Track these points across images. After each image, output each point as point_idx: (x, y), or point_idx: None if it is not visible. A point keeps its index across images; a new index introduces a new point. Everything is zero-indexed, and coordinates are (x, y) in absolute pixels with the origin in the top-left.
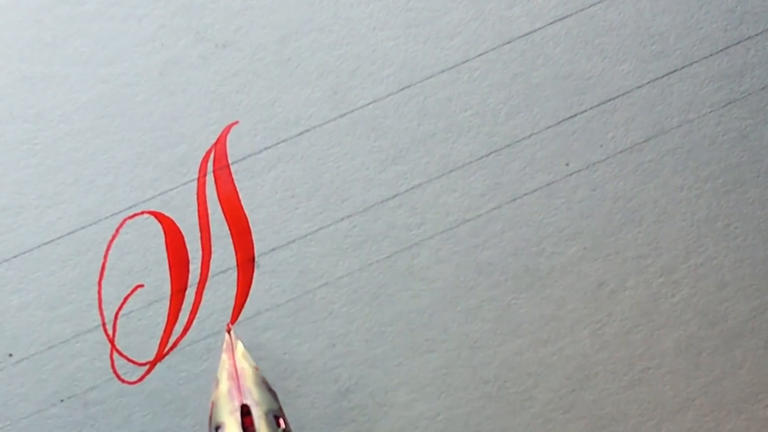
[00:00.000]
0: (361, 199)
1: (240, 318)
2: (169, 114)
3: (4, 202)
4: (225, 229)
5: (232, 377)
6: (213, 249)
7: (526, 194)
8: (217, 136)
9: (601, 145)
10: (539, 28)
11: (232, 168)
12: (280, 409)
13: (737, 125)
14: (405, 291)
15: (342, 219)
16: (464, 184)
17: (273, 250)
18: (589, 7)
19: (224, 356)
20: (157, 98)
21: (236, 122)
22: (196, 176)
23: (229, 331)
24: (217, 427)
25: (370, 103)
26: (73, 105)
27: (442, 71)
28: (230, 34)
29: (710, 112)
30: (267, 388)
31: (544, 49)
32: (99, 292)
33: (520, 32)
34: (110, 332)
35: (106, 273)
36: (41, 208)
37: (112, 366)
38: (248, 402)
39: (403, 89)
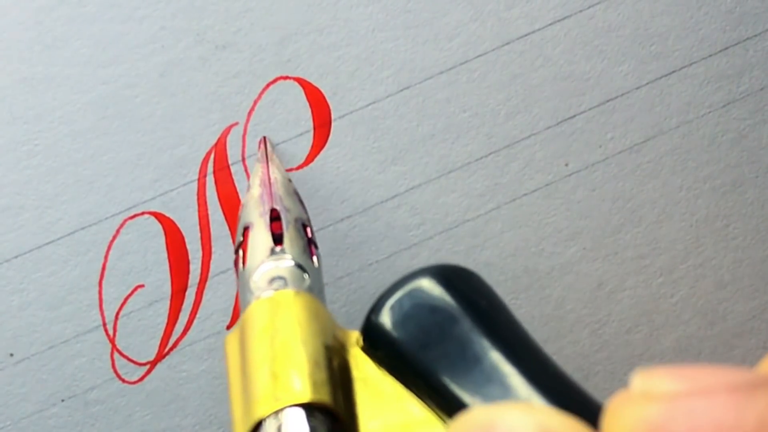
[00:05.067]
0: (361, 200)
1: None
2: (169, 115)
3: (5, 202)
4: (225, 230)
5: (265, 184)
6: (213, 249)
7: (525, 195)
8: (217, 138)
9: (600, 146)
10: (538, 29)
11: (232, 169)
12: (309, 219)
13: (736, 126)
14: None
15: (342, 219)
16: (463, 185)
17: None
18: (588, 8)
19: (258, 165)
20: (158, 99)
21: (236, 123)
22: (197, 177)
23: (264, 141)
24: (246, 227)
25: (369, 104)
26: (74, 106)
27: (441, 72)
28: (230, 36)
29: (709, 112)
30: (298, 198)
31: (543, 50)
32: (99, 293)
33: (519, 33)
34: (110, 332)
35: (106, 273)
36: (41, 209)
37: (113, 366)
38: (278, 207)
39: (402, 90)
